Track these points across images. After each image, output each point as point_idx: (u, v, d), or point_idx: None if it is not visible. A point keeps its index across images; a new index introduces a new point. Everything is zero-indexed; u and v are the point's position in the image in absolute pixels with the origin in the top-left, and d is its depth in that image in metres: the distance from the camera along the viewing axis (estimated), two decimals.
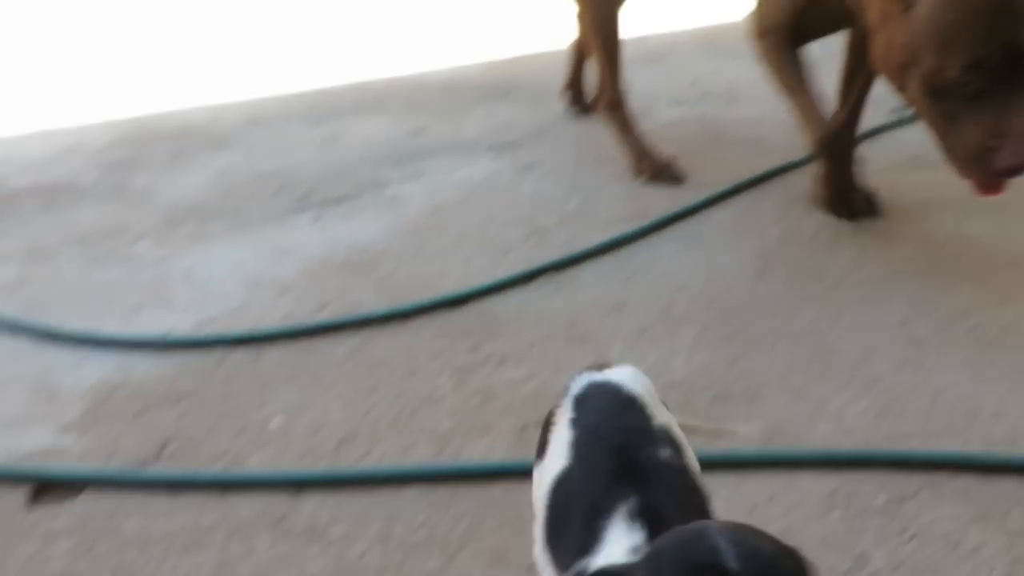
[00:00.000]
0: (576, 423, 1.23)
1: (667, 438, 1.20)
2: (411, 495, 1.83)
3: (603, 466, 1.18)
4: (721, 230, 2.81)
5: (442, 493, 1.84)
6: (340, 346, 2.35)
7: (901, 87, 2.21)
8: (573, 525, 1.15)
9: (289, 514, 1.81)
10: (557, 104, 3.83)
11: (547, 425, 1.30)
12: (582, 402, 1.26)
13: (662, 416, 1.23)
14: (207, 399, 2.18)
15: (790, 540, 1.69)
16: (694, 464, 1.22)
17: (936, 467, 1.78)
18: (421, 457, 1.95)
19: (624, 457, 1.18)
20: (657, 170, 3.12)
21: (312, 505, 1.83)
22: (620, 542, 1.08)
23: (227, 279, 2.72)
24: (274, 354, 2.33)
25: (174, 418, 2.12)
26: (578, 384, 1.28)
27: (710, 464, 1.82)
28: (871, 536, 1.65)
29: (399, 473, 1.89)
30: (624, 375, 1.28)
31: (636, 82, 3.54)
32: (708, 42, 4.71)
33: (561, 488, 1.19)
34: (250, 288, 2.66)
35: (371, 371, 2.24)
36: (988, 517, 1.68)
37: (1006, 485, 1.74)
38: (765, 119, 3.49)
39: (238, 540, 1.76)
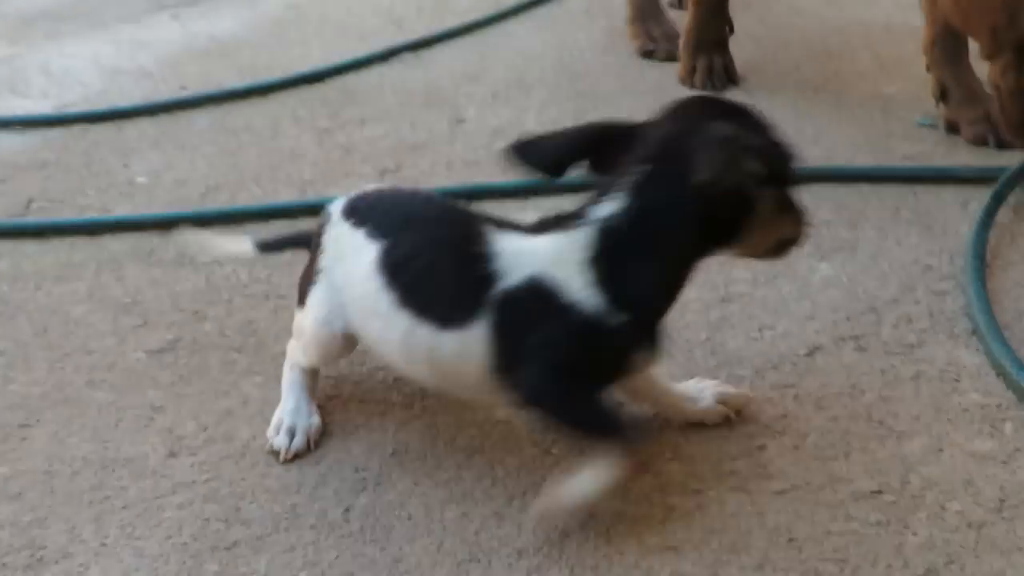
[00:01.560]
0: (361, 219, 1.32)
1: None
2: (277, 228, 1.92)
3: (436, 214, 1.31)
4: (575, 15, 2.91)
5: (309, 225, 1.93)
6: (202, 118, 2.39)
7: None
8: (444, 276, 1.24)
9: (158, 248, 1.89)
10: None
11: (313, 256, 1.39)
12: (354, 209, 1.35)
13: None
14: (71, 165, 2.21)
15: None
16: None
17: None
18: (285, 200, 2.03)
19: (447, 206, 1.33)
20: None
21: (181, 240, 1.91)
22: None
23: (85, 69, 2.71)
24: (136, 127, 2.36)
25: (37, 182, 2.15)
26: (338, 203, 1.38)
27: None
28: None
29: (266, 209, 1.98)
30: None
31: None
32: None
33: (396, 262, 1.26)
34: (109, 75, 2.67)
35: (234, 136, 2.30)
36: None
37: (818, 190, 1.92)
38: None
39: (109, 270, 1.83)
